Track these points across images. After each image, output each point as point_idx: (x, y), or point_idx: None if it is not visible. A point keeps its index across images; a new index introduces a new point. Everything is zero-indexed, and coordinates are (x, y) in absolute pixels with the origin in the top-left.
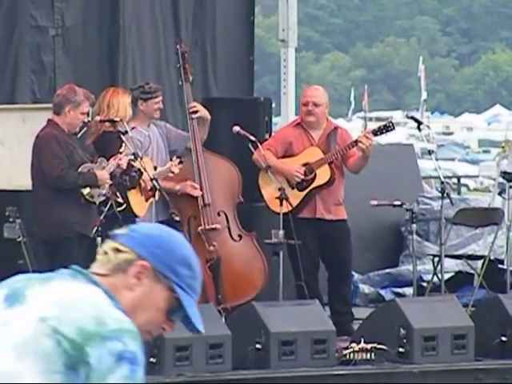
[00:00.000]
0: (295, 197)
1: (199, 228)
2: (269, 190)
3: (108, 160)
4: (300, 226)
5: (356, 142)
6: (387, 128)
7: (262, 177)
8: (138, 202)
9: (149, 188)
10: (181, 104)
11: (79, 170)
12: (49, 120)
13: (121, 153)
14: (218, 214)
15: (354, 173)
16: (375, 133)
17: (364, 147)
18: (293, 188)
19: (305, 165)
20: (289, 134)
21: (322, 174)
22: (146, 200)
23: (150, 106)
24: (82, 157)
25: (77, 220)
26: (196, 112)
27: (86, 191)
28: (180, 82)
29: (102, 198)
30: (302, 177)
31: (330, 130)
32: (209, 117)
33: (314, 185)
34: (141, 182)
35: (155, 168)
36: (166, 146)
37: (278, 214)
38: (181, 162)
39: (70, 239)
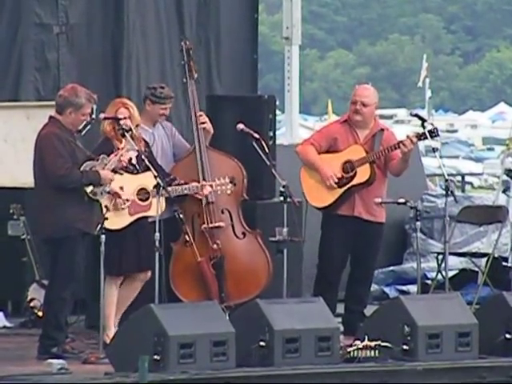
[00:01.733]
0: (334, 192)
1: (203, 226)
2: (309, 184)
3: (109, 156)
4: (336, 222)
5: (398, 144)
6: (431, 134)
7: (304, 170)
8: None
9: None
10: (184, 102)
11: (82, 168)
12: (51, 117)
13: (122, 148)
14: (222, 212)
15: (394, 175)
16: (419, 137)
17: (406, 150)
18: None
19: (346, 162)
20: (335, 130)
21: (362, 173)
22: (132, 214)
23: (155, 109)
24: (84, 154)
25: (79, 218)
26: (203, 123)
27: (89, 189)
28: (184, 80)
29: (106, 196)
30: (334, 184)
31: (376, 131)
32: (212, 131)
33: (353, 182)
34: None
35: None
36: (171, 146)
37: (317, 208)
38: (233, 183)
39: (73, 237)
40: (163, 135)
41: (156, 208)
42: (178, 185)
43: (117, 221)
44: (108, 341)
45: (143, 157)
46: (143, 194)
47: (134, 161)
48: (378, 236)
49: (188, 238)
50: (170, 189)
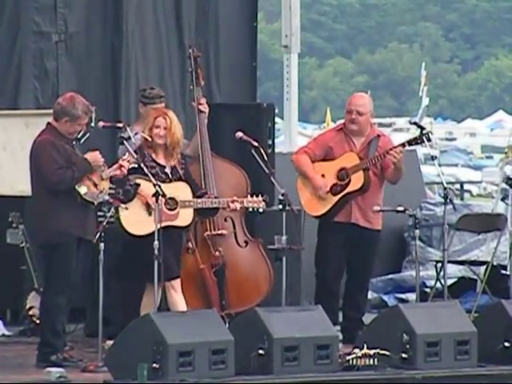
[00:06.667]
0: (329, 200)
1: (205, 233)
2: (305, 194)
3: (109, 167)
4: (332, 229)
5: (387, 152)
6: (427, 138)
7: (300, 180)
8: (135, 219)
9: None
10: (184, 109)
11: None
12: (48, 123)
13: (122, 158)
14: (225, 220)
15: (390, 183)
16: (410, 143)
17: (395, 160)
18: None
19: (341, 169)
20: (330, 138)
21: (356, 180)
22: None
23: (148, 110)
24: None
25: (74, 224)
26: (203, 110)
27: (83, 191)
28: (191, 87)
29: (101, 200)
30: (324, 195)
31: (372, 137)
32: (206, 110)
33: (347, 190)
34: (140, 196)
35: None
36: None
37: (314, 217)
38: (266, 202)
39: (68, 243)
40: None
41: (184, 218)
42: (209, 198)
43: (141, 227)
44: None
45: (142, 166)
46: (172, 203)
47: (167, 170)
48: (375, 243)
49: (191, 245)
50: (199, 200)
